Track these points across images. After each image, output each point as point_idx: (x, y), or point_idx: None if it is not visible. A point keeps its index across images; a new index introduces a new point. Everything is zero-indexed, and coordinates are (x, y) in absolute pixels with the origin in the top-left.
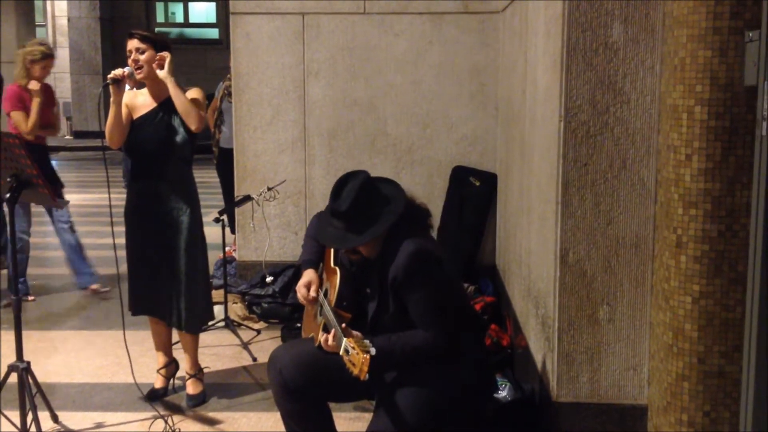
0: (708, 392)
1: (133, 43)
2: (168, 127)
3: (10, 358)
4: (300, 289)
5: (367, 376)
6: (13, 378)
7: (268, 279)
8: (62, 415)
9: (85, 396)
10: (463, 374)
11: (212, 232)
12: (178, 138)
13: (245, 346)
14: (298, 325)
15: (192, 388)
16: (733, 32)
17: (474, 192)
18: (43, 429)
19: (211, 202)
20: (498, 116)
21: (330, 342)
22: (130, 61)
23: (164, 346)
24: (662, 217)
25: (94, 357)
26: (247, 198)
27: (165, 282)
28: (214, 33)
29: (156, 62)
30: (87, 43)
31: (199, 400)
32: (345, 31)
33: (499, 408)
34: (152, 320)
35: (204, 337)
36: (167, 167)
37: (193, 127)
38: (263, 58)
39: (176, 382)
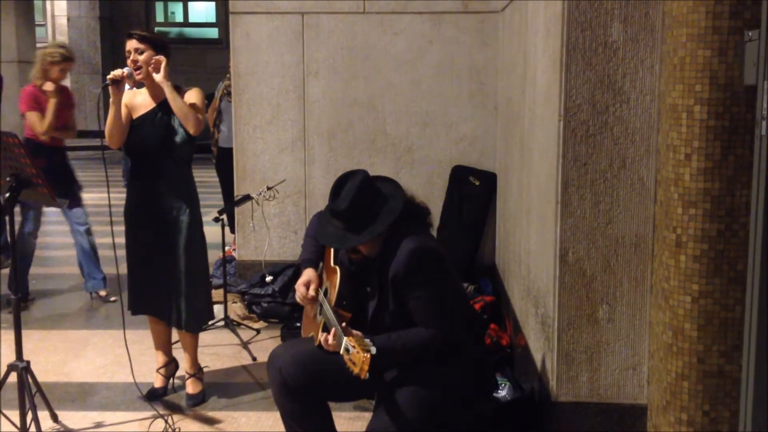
0: (707, 392)
1: (131, 44)
2: (167, 126)
3: (10, 357)
4: (299, 288)
5: (367, 375)
6: (13, 377)
7: (268, 278)
8: (62, 415)
9: (84, 395)
10: (463, 374)
11: (212, 232)
12: (178, 138)
13: (245, 345)
14: (298, 324)
15: (192, 387)
16: (733, 32)
17: (473, 191)
18: (43, 428)
19: (210, 201)
20: (497, 116)
21: (330, 341)
22: (129, 62)
23: (164, 345)
24: (662, 216)
25: (94, 356)
26: (247, 197)
27: (165, 281)
28: (213, 32)
29: (152, 66)
30: (87, 43)
31: (198, 400)
32: (345, 31)
33: (498, 407)
34: (152, 320)
35: (204, 337)
36: (167, 167)
37: (191, 131)
38: (263, 57)
39: (176, 381)
